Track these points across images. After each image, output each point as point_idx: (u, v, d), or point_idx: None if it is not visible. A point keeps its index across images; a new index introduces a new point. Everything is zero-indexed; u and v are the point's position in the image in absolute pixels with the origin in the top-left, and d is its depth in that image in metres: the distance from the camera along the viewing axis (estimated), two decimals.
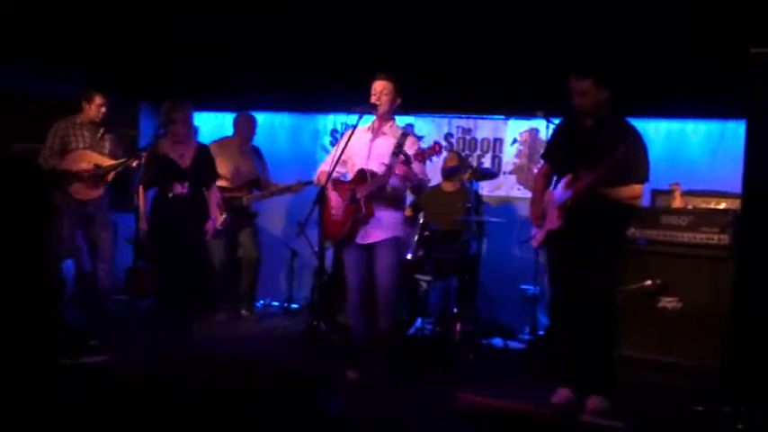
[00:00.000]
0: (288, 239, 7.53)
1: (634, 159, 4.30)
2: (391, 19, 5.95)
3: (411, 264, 5.92)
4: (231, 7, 6.16)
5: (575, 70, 4.41)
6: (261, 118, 7.66)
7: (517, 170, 7.27)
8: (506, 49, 6.03)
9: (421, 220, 5.98)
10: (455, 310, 6.08)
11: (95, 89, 6.01)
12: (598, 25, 5.58)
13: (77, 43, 6.62)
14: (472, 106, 7.24)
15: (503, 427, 3.45)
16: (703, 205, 5.53)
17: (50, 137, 5.91)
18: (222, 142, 6.97)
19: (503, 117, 7.28)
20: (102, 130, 6.03)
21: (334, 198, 4.87)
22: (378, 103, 4.82)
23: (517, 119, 7.21)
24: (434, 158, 4.78)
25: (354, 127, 4.86)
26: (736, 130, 6.25)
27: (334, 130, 7.88)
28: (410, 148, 4.76)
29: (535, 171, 5.47)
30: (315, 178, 5.23)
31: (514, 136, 7.29)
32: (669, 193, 5.66)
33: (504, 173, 7.30)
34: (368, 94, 4.88)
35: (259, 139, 7.34)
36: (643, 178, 4.37)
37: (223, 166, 6.64)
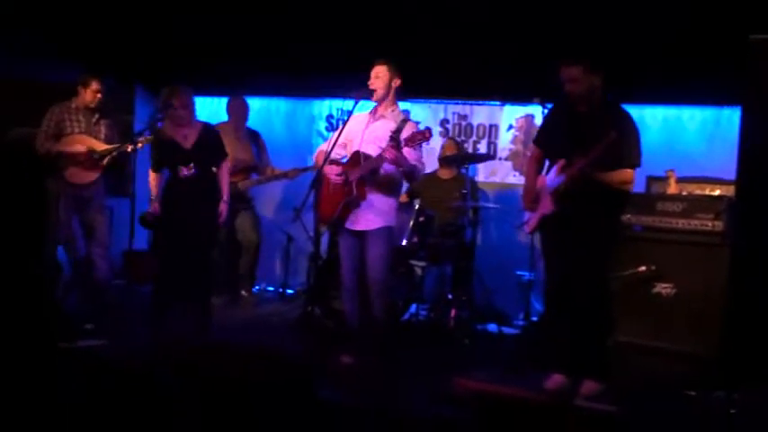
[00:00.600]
0: (283, 225, 7.54)
1: (626, 144, 4.31)
2: (388, 4, 5.94)
3: (406, 250, 5.93)
4: None
5: (564, 58, 4.42)
6: (257, 103, 7.66)
7: (513, 156, 7.28)
8: (502, 35, 6.03)
9: (416, 206, 5.98)
10: (450, 295, 6.09)
11: (91, 74, 5.98)
12: (595, 12, 5.58)
13: (73, 27, 6.61)
14: (468, 92, 7.24)
15: (497, 412, 3.46)
16: (698, 192, 5.53)
17: (46, 121, 5.90)
18: (217, 128, 6.92)
19: (498, 103, 7.28)
20: (97, 116, 6.01)
21: (329, 173, 4.87)
22: (373, 87, 4.83)
23: (513, 105, 7.21)
24: (425, 144, 4.75)
25: (351, 112, 4.87)
26: (731, 117, 6.26)
27: (329, 116, 7.87)
28: (407, 132, 4.76)
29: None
30: (313, 157, 5.24)
31: (510, 122, 7.29)
32: (664, 179, 5.66)
33: (500, 159, 7.30)
34: (364, 80, 4.89)
35: (255, 125, 7.33)
36: (635, 163, 4.38)
37: None
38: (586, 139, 4.30)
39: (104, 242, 6.03)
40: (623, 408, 4.05)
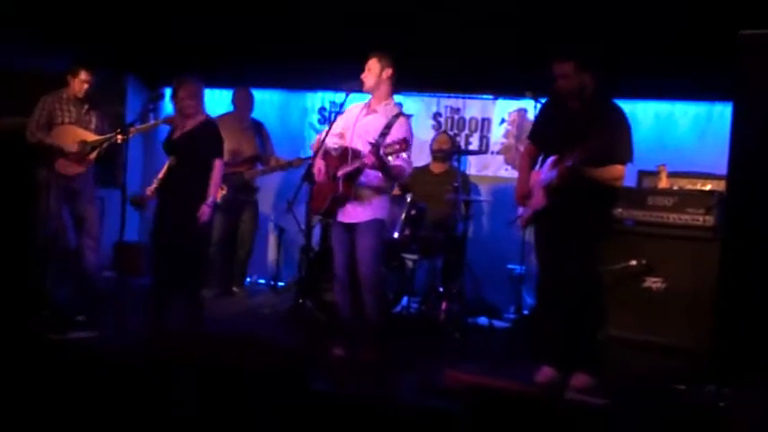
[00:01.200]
0: (275, 217, 7.54)
1: (617, 141, 4.34)
2: None
3: (398, 242, 5.93)
4: None
5: (556, 54, 4.44)
6: None
7: (505, 150, 7.28)
8: (495, 29, 6.03)
9: (408, 200, 5.98)
10: (441, 289, 6.10)
11: (82, 64, 5.95)
12: (588, 6, 5.58)
13: (65, 17, 6.57)
14: (461, 86, 7.24)
15: (487, 405, 3.47)
16: (689, 186, 5.55)
17: (37, 110, 5.87)
18: (222, 118, 6.86)
19: (491, 97, 7.28)
20: (87, 106, 5.99)
21: (319, 168, 4.87)
22: (363, 79, 4.83)
23: (506, 99, 7.22)
24: (401, 155, 4.69)
25: (343, 104, 4.87)
26: (723, 113, 6.29)
27: (322, 108, 7.87)
28: (398, 130, 4.75)
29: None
30: (311, 146, 5.22)
31: (503, 116, 7.30)
32: (656, 174, 5.67)
33: (492, 153, 7.31)
34: (357, 72, 4.89)
35: None
36: (626, 159, 4.41)
37: (224, 140, 6.65)
38: (578, 134, 4.32)
39: (95, 233, 6.01)
40: (613, 401, 4.08)
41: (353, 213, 4.82)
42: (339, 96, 4.74)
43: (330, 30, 6.36)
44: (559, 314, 4.55)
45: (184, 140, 5.27)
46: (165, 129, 5.69)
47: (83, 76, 5.91)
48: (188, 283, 5.36)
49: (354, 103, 4.97)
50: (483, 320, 6.33)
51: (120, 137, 5.53)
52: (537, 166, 4.71)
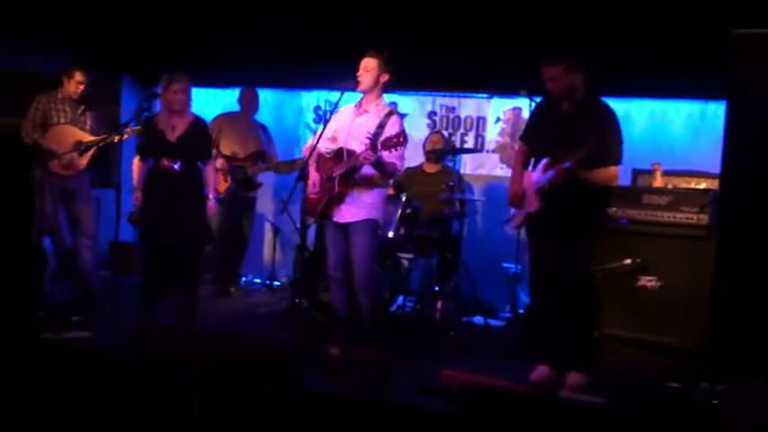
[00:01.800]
0: (271, 216, 7.55)
1: (609, 143, 4.36)
2: None
3: (393, 242, 5.94)
4: None
5: (545, 57, 4.45)
6: None
7: (500, 149, 7.29)
8: (490, 28, 6.03)
9: (403, 199, 5.99)
10: (437, 288, 6.11)
11: (76, 64, 5.94)
12: (581, 5, 5.59)
13: (61, 17, 6.56)
14: (456, 84, 7.24)
15: (483, 404, 3.48)
16: (683, 185, 5.57)
17: (32, 110, 5.86)
18: (229, 114, 7.20)
19: (486, 95, 7.29)
20: (82, 107, 5.98)
21: (312, 174, 4.89)
22: (360, 79, 4.83)
23: (500, 97, 7.22)
24: (399, 148, 4.71)
25: (337, 104, 4.87)
26: (716, 111, 6.30)
27: (317, 107, 7.87)
28: (391, 128, 4.76)
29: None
30: (303, 151, 5.26)
31: (498, 115, 7.31)
32: (650, 172, 5.69)
33: (488, 151, 7.31)
34: (352, 71, 4.88)
35: None
36: (617, 160, 4.43)
37: (230, 137, 6.95)
38: (570, 137, 4.34)
39: (91, 233, 6.00)
40: (608, 399, 4.09)
41: (348, 213, 4.83)
42: (334, 95, 4.74)
43: (325, 28, 6.35)
44: (554, 313, 4.56)
45: (186, 141, 5.30)
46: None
47: (78, 77, 5.90)
48: (187, 283, 5.38)
49: (344, 106, 4.95)
50: (478, 319, 6.34)
51: (115, 137, 5.54)
52: (529, 167, 4.72)
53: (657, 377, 4.55)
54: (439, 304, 6.00)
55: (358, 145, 4.78)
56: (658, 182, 5.60)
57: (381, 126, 4.78)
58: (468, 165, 7.28)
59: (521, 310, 6.34)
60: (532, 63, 4.61)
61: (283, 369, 3.29)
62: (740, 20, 4.51)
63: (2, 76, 6.69)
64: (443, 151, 6.56)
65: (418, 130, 7.23)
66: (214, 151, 6.63)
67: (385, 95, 5.00)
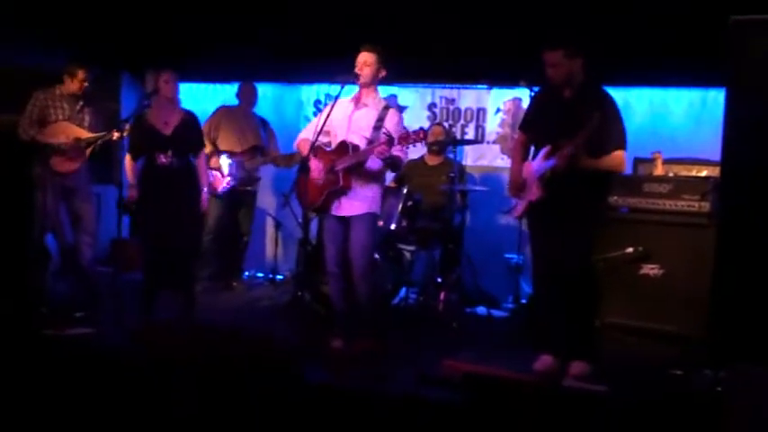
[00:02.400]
0: (272, 210, 7.56)
1: (611, 126, 4.35)
2: None
3: (395, 234, 5.94)
4: None
5: (545, 43, 4.44)
6: None
7: (501, 140, 7.29)
8: (489, 19, 6.02)
9: (404, 191, 5.99)
10: (439, 279, 6.11)
11: (77, 63, 5.93)
12: None
13: (60, 13, 6.55)
14: (455, 76, 7.23)
15: (487, 394, 3.49)
16: (684, 173, 5.57)
17: (29, 107, 5.85)
18: (229, 108, 7.23)
19: (486, 86, 7.28)
20: (81, 103, 5.97)
21: (315, 166, 4.88)
22: (360, 73, 4.83)
23: (500, 88, 7.21)
24: (417, 145, 4.75)
25: (337, 97, 4.87)
26: (717, 98, 6.28)
27: (317, 101, 7.87)
28: (390, 121, 4.78)
29: None
30: (294, 145, 5.25)
31: (498, 105, 7.30)
32: (651, 161, 5.69)
33: (488, 142, 7.31)
34: (351, 65, 4.88)
35: None
36: (621, 144, 4.41)
37: (229, 131, 6.99)
38: (571, 123, 4.33)
39: (91, 230, 6.00)
40: (611, 388, 4.09)
41: (350, 207, 4.84)
42: (334, 89, 4.74)
43: (324, 22, 6.35)
44: (556, 302, 4.56)
45: (180, 135, 5.34)
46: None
47: (80, 75, 5.89)
48: (185, 279, 5.39)
49: (339, 100, 4.93)
50: (481, 310, 6.35)
51: (115, 134, 5.55)
52: (530, 157, 4.72)
53: (660, 365, 4.56)
54: (442, 296, 6.00)
55: (358, 139, 4.79)
56: (659, 170, 5.59)
57: (381, 119, 4.81)
58: (469, 156, 7.28)
59: (523, 301, 6.35)
60: (532, 53, 4.60)
61: (283, 364, 3.30)
62: (739, 6, 4.50)
63: (2, 74, 6.68)
64: (445, 143, 6.56)
65: (418, 122, 7.21)
66: (211, 148, 6.67)
67: (385, 87, 5.00)
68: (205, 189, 5.52)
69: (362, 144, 4.77)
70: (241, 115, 7.14)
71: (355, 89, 4.96)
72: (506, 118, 7.26)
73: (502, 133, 7.28)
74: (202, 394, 3.28)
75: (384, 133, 4.67)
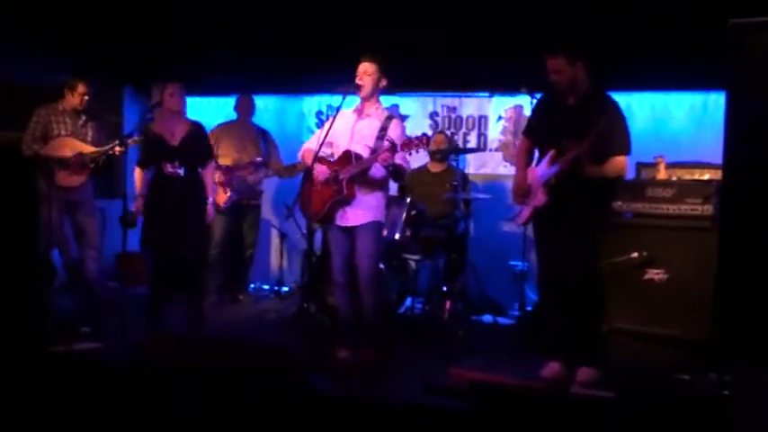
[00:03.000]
0: (276, 222, 7.57)
1: (615, 131, 4.35)
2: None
3: (399, 243, 5.94)
4: None
5: (547, 49, 4.45)
6: None
7: (503, 147, 7.30)
8: (489, 26, 6.03)
9: (408, 200, 6.00)
10: (444, 288, 6.10)
11: (78, 77, 5.96)
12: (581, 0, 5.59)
13: (62, 28, 6.58)
14: (456, 84, 7.25)
15: (494, 402, 3.48)
16: (687, 177, 5.56)
17: (32, 123, 5.88)
18: (227, 123, 7.21)
19: (487, 94, 7.30)
20: (84, 118, 6.00)
21: (318, 177, 4.89)
22: (361, 83, 4.84)
23: (501, 96, 7.23)
24: (420, 150, 4.77)
25: (339, 108, 4.88)
26: (718, 101, 6.29)
27: (319, 112, 7.90)
28: (394, 131, 4.80)
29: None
30: (299, 155, 5.27)
31: (499, 113, 7.32)
32: (654, 165, 5.69)
33: (490, 150, 7.32)
34: (353, 76, 4.90)
35: None
36: (625, 150, 4.41)
37: (229, 146, 6.97)
38: (576, 128, 4.33)
39: (96, 244, 6.02)
40: (617, 393, 4.09)
41: (354, 217, 4.85)
42: (336, 99, 4.76)
43: (324, 32, 6.36)
44: (561, 308, 4.55)
45: (187, 146, 5.33)
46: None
47: (81, 89, 5.93)
48: (193, 291, 5.39)
49: (341, 111, 4.94)
50: (487, 318, 6.35)
51: (118, 148, 5.56)
52: (533, 163, 4.72)
53: (666, 370, 4.54)
54: (447, 304, 5.99)
55: (361, 149, 4.81)
56: (662, 174, 5.59)
57: (384, 129, 4.82)
58: (471, 164, 7.29)
59: (529, 308, 6.33)
60: (532, 60, 4.61)
61: (290, 375, 3.30)
62: (738, 9, 4.51)
63: (3, 90, 6.71)
64: (448, 151, 6.57)
65: (420, 130, 7.17)
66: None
67: (387, 97, 5.02)
68: (211, 199, 5.50)
69: (366, 154, 4.79)
70: (240, 129, 7.13)
71: (357, 100, 4.98)
72: (508, 125, 7.27)
73: (504, 140, 7.29)
74: (208, 405, 3.28)
75: (387, 140, 4.68)
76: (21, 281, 5.85)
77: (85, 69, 6.21)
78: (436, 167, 6.72)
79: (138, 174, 5.53)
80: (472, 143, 7.33)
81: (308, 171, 4.90)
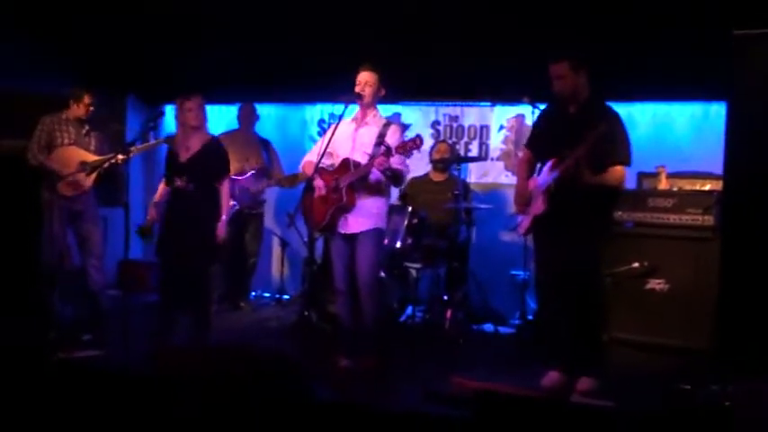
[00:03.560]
0: (277, 230, 7.58)
1: (615, 139, 4.35)
2: (376, 8, 5.96)
3: (401, 252, 5.95)
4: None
5: (551, 54, 4.46)
6: None
7: (504, 156, 7.30)
8: (491, 36, 6.05)
9: (410, 209, 6.01)
10: (445, 296, 6.12)
11: (82, 87, 5.98)
12: (583, 10, 5.61)
13: (66, 37, 6.61)
14: (458, 93, 7.26)
15: (494, 411, 3.48)
16: (688, 187, 5.57)
17: (37, 131, 5.89)
18: (229, 133, 7.17)
19: (489, 104, 7.31)
20: (87, 127, 6.01)
21: (319, 186, 4.91)
22: (362, 93, 4.87)
23: (503, 105, 7.24)
24: (416, 152, 4.80)
25: (341, 118, 4.90)
26: (719, 112, 6.28)
27: (321, 121, 7.92)
28: (392, 136, 4.85)
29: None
30: (300, 167, 5.29)
31: (501, 122, 7.32)
32: (655, 175, 5.70)
33: (492, 159, 7.33)
34: (353, 84, 4.92)
35: None
36: (624, 160, 4.41)
37: (231, 155, 6.80)
38: (575, 137, 4.33)
39: (98, 253, 6.02)
40: (619, 403, 4.08)
41: (355, 224, 4.87)
42: (338, 108, 4.78)
43: (326, 41, 6.39)
44: (561, 317, 4.55)
45: (197, 162, 5.24)
46: (165, 148, 5.67)
47: (86, 99, 5.94)
48: (199, 301, 5.37)
49: (341, 121, 4.95)
50: (488, 327, 6.34)
51: (120, 157, 5.55)
52: (535, 174, 4.73)
53: (667, 380, 4.54)
54: (448, 313, 6.00)
55: (362, 157, 4.84)
56: (663, 184, 5.60)
57: (382, 135, 4.86)
58: (472, 173, 7.30)
59: (530, 317, 6.33)
60: (534, 70, 4.63)
61: (291, 382, 3.31)
62: (740, 21, 4.53)
63: (9, 99, 6.74)
64: (450, 160, 6.58)
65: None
66: None
67: (389, 106, 5.05)
68: (224, 218, 5.30)
69: (365, 161, 4.81)
70: (242, 138, 7.12)
71: (356, 109, 5.01)
72: (510, 135, 7.28)
73: (505, 150, 7.30)
74: (209, 412, 3.29)
75: (384, 145, 4.72)
76: (24, 289, 5.86)
77: (89, 78, 6.22)
78: (438, 176, 6.73)
79: (161, 186, 5.50)
80: (474, 152, 7.33)
81: (310, 181, 4.92)
